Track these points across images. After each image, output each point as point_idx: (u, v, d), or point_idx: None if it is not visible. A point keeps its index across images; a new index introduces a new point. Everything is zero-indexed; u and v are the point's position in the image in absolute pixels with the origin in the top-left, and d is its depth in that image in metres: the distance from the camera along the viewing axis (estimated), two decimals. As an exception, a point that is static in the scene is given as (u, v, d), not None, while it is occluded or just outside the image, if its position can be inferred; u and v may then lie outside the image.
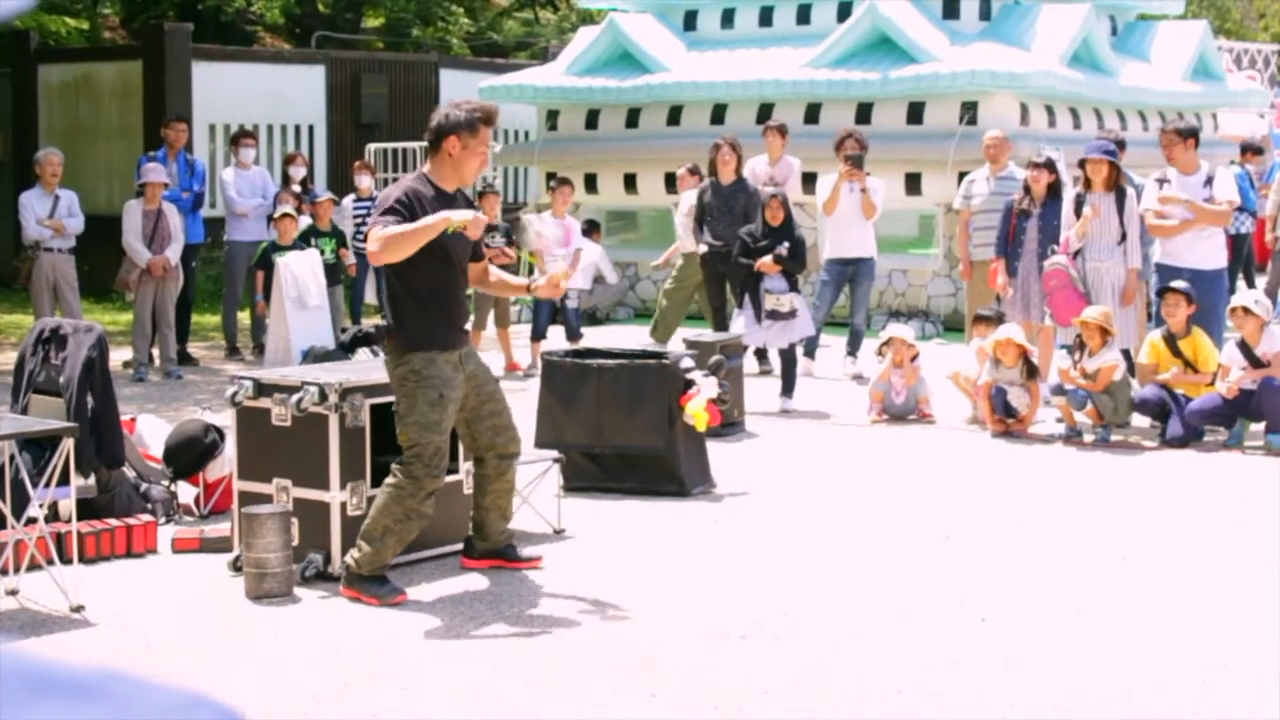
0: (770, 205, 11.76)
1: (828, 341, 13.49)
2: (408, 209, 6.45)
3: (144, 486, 8.19)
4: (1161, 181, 11.24)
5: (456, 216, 6.43)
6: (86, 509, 7.49)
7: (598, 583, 6.92)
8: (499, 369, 12.20)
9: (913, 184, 16.39)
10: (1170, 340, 10.47)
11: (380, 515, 6.59)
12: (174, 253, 13.48)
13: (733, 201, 13.20)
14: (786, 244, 11.53)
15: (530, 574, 7.09)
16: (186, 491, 8.50)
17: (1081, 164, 11.37)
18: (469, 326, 6.83)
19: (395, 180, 19.80)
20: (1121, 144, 12.84)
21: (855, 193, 12.85)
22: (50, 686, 0.79)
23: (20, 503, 6.64)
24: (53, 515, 7.22)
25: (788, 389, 11.68)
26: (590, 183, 18.37)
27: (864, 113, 16.74)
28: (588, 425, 8.87)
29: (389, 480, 6.63)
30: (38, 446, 7.21)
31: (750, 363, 12.53)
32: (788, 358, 11.73)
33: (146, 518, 7.72)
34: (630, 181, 18.08)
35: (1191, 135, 11.26)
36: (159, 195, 13.51)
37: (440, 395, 6.53)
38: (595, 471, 8.86)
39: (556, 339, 13.47)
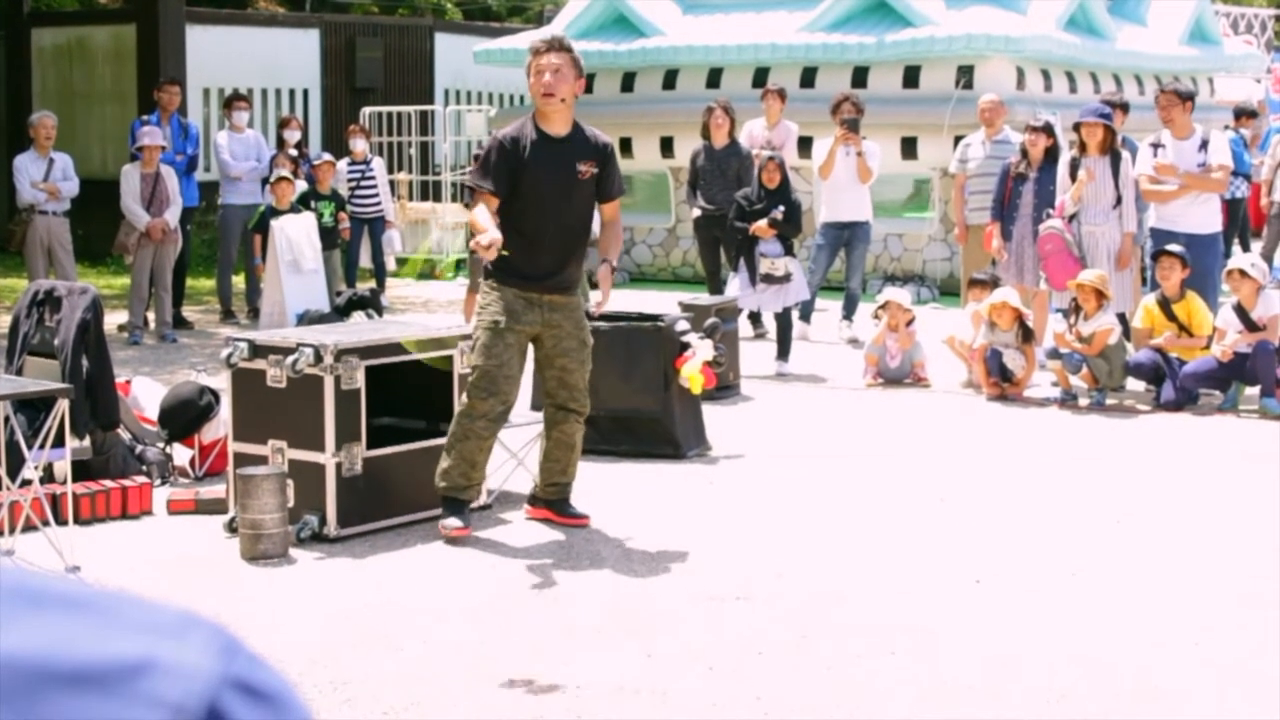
0: (767, 168, 11.74)
1: (823, 305, 13.48)
2: (488, 157, 6.91)
3: (139, 448, 8.19)
4: (1156, 146, 11.22)
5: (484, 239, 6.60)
6: (82, 470, 7.49)
7: (593, 544, 6.94)
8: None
9: (908, 148, 16.36)
10: (1165, 304, 10.48)
11: (449, 433, 6.98)
12: (172, 216, 13.46)
13: (725, 165, 13.19)
14: (782, 208, 11.52)
15: (524, 535, 7.12)
16: (182, 453, 8.50)
17: (1076, 128, 11.35)
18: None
19: (389, 145, 20.04)
20: (1125, 107, 12.82)
21: (851, 156, 12.82)
22: (40, 599, 0.79)
23: (15, 464, 6.64)
24: (48, 477, 7.22)
25: (783, 352, 11.68)
26: (585, 147, 18.29)
27: (860, 77, 16.70)
28: (583, 388, 8.86)
29: None
30: (33, 408, 7.22)
31: (745, 326, 12.52)
32: (783, 321, 11.72)
33: (142, 479, 7.72)
34: (625, 146, 17.99)
35: (1190, 99, 11.25)
36: (156, 158, 13.47)
37: (494, 323, 6.86)
38: (591, 434, 8.78)
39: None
